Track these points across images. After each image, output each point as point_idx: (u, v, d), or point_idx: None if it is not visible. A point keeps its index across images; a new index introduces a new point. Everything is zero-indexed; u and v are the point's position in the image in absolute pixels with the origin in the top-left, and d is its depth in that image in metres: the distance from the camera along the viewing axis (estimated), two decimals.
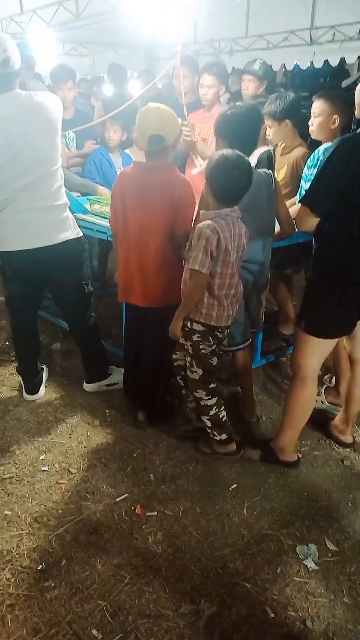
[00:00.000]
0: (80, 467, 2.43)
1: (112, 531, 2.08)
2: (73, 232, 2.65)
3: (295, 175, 3.19)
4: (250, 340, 2.70)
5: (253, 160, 3.25)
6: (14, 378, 3.15)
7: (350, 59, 5.69)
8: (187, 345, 2.31)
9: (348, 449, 2.57)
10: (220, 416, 2.41)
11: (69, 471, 2.40)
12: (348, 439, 2.59)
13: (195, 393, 2.39)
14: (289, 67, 6.35)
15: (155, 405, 2.67)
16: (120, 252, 2.49)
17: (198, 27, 6.60)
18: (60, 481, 2.34)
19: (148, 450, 2.53)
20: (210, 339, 2.28)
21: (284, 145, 3.30)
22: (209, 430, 2.43)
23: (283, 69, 6.56)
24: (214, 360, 2.34)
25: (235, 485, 2.33)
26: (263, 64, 4.10)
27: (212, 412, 2.39)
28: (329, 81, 10.36)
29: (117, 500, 2.23)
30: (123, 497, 2.25)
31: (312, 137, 3.00)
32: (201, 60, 6.64)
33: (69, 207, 2.68)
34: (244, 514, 2.17)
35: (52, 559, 1.95)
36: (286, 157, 3.30)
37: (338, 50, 5.66)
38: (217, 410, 2.39)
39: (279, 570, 1.92)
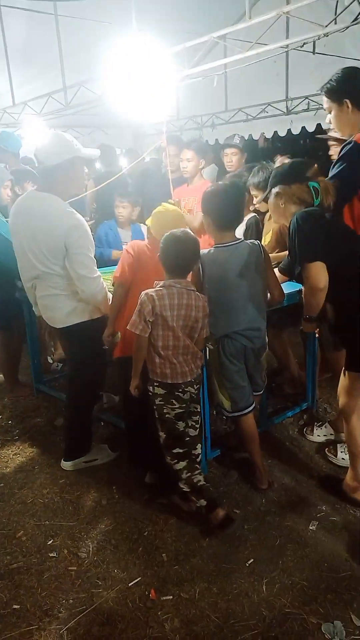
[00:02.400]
0: (89, 550, 2.34)
1: (126, 620, 1.98)
2: (78, 317, 2.74)
3: (280, 239, 3.30)
4: (254, 404, 2.69)
5: (241, 228, 3.40)
6: (18, 459, 3.10)
7: (326, 125, 6.00)
8: (154, 409, 2.40)
9: None
10: (195, 480, 2.37)
11: (78, 556, 2.31)
12: None
13: (165, 458, 2.41)
14: (268, 135, 6.71)
15: (163, 466, 2.61)
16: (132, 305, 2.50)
17: (180, 104, 7.02)
18: (69, 568, 2.25)
19: (159, 527, 2.45)
20: (174, 401, 2.35)
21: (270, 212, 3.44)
22: (190, 497, 2.42)
23: (264, 136, 6.93)
24: (180, 425, 2.39)
25: (252, 560, 2.23)
26: (242, 138, 4.37)
27: (184, 476, 2.38)
28: (309, 143, 10.93)
29: (129, 585, 2.14)
30: (136, 581, 2.16)
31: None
32: (185, 134, 7.06)
33: None
34: (263, 592, 2.07)
35: None
36: (272, 222, 3.42)
37: (313, 117, 6.00)
38: (189, 474, 2.37)
39: None
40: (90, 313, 2.75)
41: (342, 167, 2.35)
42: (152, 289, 2.31)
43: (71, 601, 2.08)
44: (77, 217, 2.61)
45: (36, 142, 2.70)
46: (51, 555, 2.33)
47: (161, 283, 2.33)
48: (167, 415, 2.37)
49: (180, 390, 2.35)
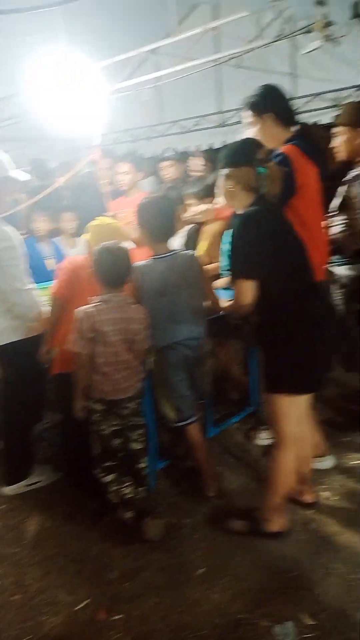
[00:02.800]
0: (34, 577, 2.24)
1: None
2: (10, 336, 2.65)
3: (218, 241, 3.34)
4: (198, 413, 2.69)
5: (180, 240, 3.42)
6: None
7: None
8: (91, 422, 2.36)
9: (311, 511, 2.52)
10: (122, 493, 2.36)
11: (23, 584, 2.21)
12: (308, 498, 2.55)
13: (95, 470, 2.38)
14: (204, 148, 6.83)
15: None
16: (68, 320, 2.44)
17: (114, 117, 7.01)
18: (13, 597, 2.14)
19: (106, 545, 2.38)
20: (112, 418, 2.33)
21: (206, 221, 3.48)
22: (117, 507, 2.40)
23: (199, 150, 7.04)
24: (115, 442, 2.37)
25: (203, 569, 2.21)
26: (176, 154, 4.43)
27: (111, 489, 2.36)
28: None
29: (77, 608, 2.06)
30: (84, 603, 2.08)
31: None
32: (120, 146, 7.07)
33: None
34: (215, 600, 2.05)
35: None
36: (207, 230, 3.46)
37: (247, 129, 6.17)
38: (117, 487, 2.36)
39: None
40: (26, 331, 2.67)
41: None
42: (90, 305, 2.27)
43: (16, 632, 1.98)
44: (5, 230, 2.54)
45: None
46: None
47: (98, 298, 2.29)
48: (103, 432, 2.34)
49: (120, 406, 2.32)
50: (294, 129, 2.53)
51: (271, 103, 2.48)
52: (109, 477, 2.36)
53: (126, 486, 2.37)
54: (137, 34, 4.94)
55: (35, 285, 2.70)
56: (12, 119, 4.88)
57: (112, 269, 2.29)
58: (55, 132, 6.24)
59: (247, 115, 2.53)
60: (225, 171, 2.19)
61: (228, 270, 2.27)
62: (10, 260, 2.53)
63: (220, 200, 2.36)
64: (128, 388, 2.32)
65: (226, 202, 2.26)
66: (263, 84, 2.59)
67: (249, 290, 2.15)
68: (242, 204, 2.18)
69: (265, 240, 2.10)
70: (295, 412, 2.24)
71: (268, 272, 2.13)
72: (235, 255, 2.14)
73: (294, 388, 2.21)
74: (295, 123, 2.56)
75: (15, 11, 3.48)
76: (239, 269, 2.14)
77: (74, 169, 4.56)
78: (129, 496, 2.36)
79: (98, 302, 2.28)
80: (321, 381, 2.32)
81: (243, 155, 2.19)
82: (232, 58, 4.54)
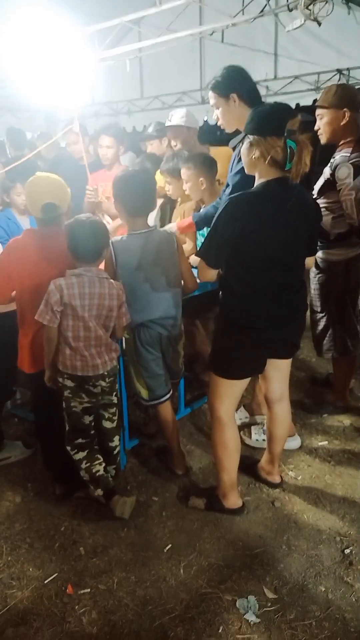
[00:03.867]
0: (2, 551, 2.25)
1: (42, 618, 1.93)
2: None
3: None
4: (171, 392, 2.71)
5: (155, 214, 3.38)
6: None
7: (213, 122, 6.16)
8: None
9: (277, 490, 2.59)
10: (94, 471, 2.38)
11: None
12: (276, 479, 2.62)
13: (67, 447, 2.39)
14: None
15: (72, 473, 2.57)
16: (25, 321, 2.41)
17: (95, 89, 6.87)
18: None
19: (76, 522, 2.40)
20: (83, 395, 2.32)
21: (180, 199, 3.45)
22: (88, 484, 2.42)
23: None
24: (86, 419, 2.37)
25: (169, 545, 2.26)
26: (157, 123, 4.31)
27: (83, 466, 2.38)
28: (226, 134, 11.13)
29: (45, 582, 2.09)
30: (52, 577, 2.11)
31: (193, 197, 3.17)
32: (101, 119, 6.92)
33: None
34: (181, 575, 2.10)
35: None
36: (180, 209, 3.44)
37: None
38: (88, 464, 2.38)
39: (220, 630, 1.86)
40: None
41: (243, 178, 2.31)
42: (62, 278, 2.22)
43: None
44: None
45: None
46: None
47: (71, 272, 2.25)
48: (74, 409, 2.33)
49: (91, 383, 2.31)
50: None
51: (235, 83, 2.43)
52: (80, 455, 2.37)
53: (97, 464, 2.38)
54: (121, 2, 4.80)
55: None
56: None
57: (86, 243, 2.23)
58: (34, 102, 6.10)
59: (212, 97, 2.49)
60: (250, 138, 2.00)
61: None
62: None
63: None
64: (99, 365, 2.30)
65: (247, 170, 2.09)
66: (242, 62, 2.55)
67: (206, 273, 2.17)
68: (261, 177, 2.03)
69: (243, 232, 1.99)
70: (230, 393, 2.30)
71: (232, 266, 2.11)
72: (208, 235, 2.11)
73: (227, 373, 2.27)
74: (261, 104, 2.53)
75: None
76: (203, 250, 2.12)
77: (51, 139, 4.46)
78: (99, 474, 2.37)
79: (70, 275, 2.23)
80: (260, 368, 2.34)
81: (272, 123, 1.94)
82: (215, 32, 4.45)
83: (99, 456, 2.41)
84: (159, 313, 2.52)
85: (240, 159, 2.39)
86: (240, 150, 2.24)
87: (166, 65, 6.18)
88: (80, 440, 2.37)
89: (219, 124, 2.56)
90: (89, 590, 2.05)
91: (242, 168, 2.23)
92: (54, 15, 3.69)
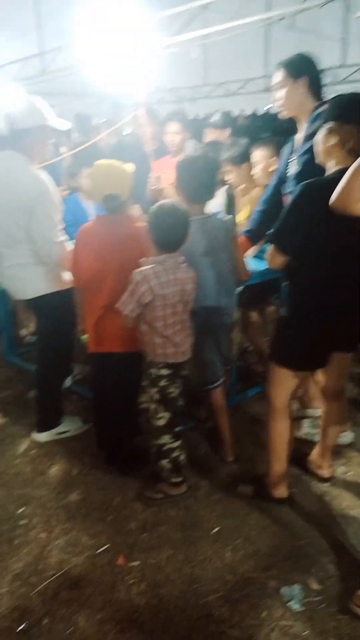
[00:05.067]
0: (59, 519, 2.39)
1: (94, 585, 2.05)
2: (46, 287, 2.72)
3: None
4: (223, 378, 2.74)
5: (217, 201, 3.40)
6: None
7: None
8: (152, 393, 2.34)
9: (327, 484, 2.59)
10: (180, 459, 2.43)
11: (49, 524, 2.36)
12: (326, 473, 2.62)
13: (158, 440, 2.39)
14: (248, 112, 6.67)
15: (125, 456, 2.67)
16: (92, 303, 2.51)
17: (160, 76, 6.88)
18: (39, 535, 2.29)
19: (128, 498, 2.51)
20: (177, 381, 2.35)
21: (244, 186, 3.45)
22: (165, 474, 2.44)
23: (242, 115, 6.87)
24: (181, 402, 2.40)
25: (217, 528, 2.32)
26: (222, 114, 4.30)
27: (173, 455, 2.41)
28: (288, 123, 10.88)
29: (98, 551, 2.20)
30: (104, 548, 2.22)
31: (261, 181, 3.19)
32: (164, 106, 6.94)
33: None
34: (227, 558, 2.16)
35: (33, 618, 1.91)
36: (247, 197, 3.44)
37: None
38: (178, 453, 2.42)
39: (264, 615, 1.91)
40: (59, 284, 2.74)
41: (309, 159, 2.30)
42: (148, 267, 2.20)
43: (40, 567, 2.13)
44: (44, 179, 2.57)
45: (7, 105, 2.64)
46: (21, 523, 2.37)
47: (152, 259, 2.24)
48: (171, 394, 2.34)
49: (182, 369, 2.34)
50: (317, 103, 2.47)
51: (307, 67, 2.40)
52: (176, 444, 2.40)
53: (182, 453, 2.43)
54: None
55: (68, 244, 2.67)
56: (60, 71, 4.83)
57: (171, 231, 2.21)
58: (102, 88, 6.22)
59: (280, 75, 2.43)
60: (329, 125, 2.02)
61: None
62: (43, 209, 2.54)
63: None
64: (187, 350, 2.33)
65: (321, 158, 2.11)
66: (310, 49, 2.50)
67: (277, 260, 2.17)
68: (337, 164, 2.03)
69: (315, 220, 2.00)
70: (289, 383, 2.30)
71: (303, 254, 2.10)
72: (281, 219, 2.10)
73: (290, 363, 2.26)
74: (321, 98, 2.48)
75: None
76: (276, 236, 2.14)
77: (117, 125, 4.53)
78: (184, 462, 2.43)
79: (153, 264, 2.21)
80: (324, 361, 2.31)
81: (353, 110, 1.97)
82: (284, 18, 4.35)
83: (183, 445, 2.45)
84: (212, 301, 2.53)
85: (308, 139, 2.37)
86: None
87: (230, 52, 6.11)
88: (178, 429, 2.39)
89: (276, 105, 2.51)
90: (138, 563, 2.14)
91: (311, 147, 2.24)
92: (125, 1, 3.73)
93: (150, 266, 2.21)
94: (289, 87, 2.41)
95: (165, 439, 2.38)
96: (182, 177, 2.50)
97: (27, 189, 2.52)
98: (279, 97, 2.47)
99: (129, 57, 4.08)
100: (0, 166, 2.60)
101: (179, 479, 2.45)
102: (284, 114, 2.50)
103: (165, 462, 2.41)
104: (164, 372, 2.32)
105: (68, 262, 2.57)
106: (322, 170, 2.12)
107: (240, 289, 2.75)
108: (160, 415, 2.36)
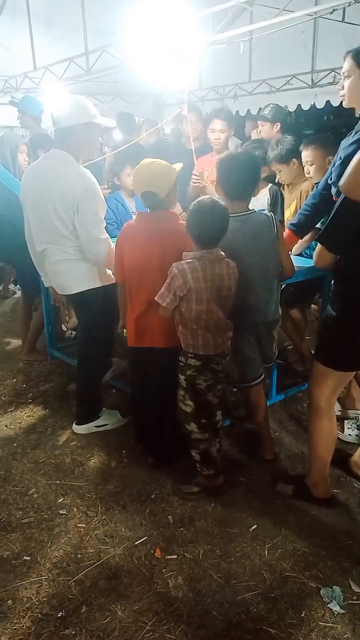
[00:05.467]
0: (98, 510, 2.42)
1: (132, 576, 2.06)
2: (89, 283, 2.77)
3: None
4: (263, 376, 2.71)
5: (261, 201, 3.37)
6: (30, 421, 3.18)
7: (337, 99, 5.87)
8: (181, 380, 2.38)
9: None
10: (211, 451, 2.42)
11: (87, 514, 2.39)
12: None
13: (187, 426, 2.41)
14: (291, 109, 6.54)
15: (163, 448, 2.67)
16: (133, 299, 2.53)
17: (203, 73, 6.89)
18: (78, 525, 2.33)
19: (166, 491, 2.51)
20: (208, 373, 2.34)
21: (291, 183, 3.40)
22: (197, 465, 2.45)
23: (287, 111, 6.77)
24: (210, 397, 2.38)
25: (255, 525, 2.29)
26: (274, 107, 4.24)
27: (202, 447, 2.41)
28: (332, 119, 10.67)
29: (136, 543, 2.21)
30: (142, 540, 2.23)
31: (313, 181, 3.12)
32: (207, 105, 6.93)
33: None
34: (265, 556, 2.13)
35: (72, 606, 1.93)
36: (295, 193, 3.39)
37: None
38: (207, 445, 2.41)
39: (303, 615, 1.87)
40: (102, 279, 2.77)
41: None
42: (184, 262, 2.23)
43: (79, 555, 2.16)
44: (90, 177, 2.61)
45: (53, 104, 2.69)
46: (61, 512, 2.41)
47: (191, 254, 2.26)
48: (198, 387, 2.35)
49: (215, 362, 2.34)
50: None
51: None
52: (204, 435, 2.40)
53: (215, 445, 2.43)
54: None
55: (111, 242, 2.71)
56: (105, 71, 4.90)
57: (210, 227, 2.22)
58: (144, 87, 6.27)
59: (347, 64, 2.35)
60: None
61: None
62: (89, 206, 2.58)
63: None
64: (220, 345, 2.33)
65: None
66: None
67: (326, 259, 2.12)
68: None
69: None
70: (334, 384, 2.24)
71: (352, 253, 2.05)
72: (330, 218, 2.06)
73: (336, 363, 2.20)
74: None
75: None
76: (325, 235, 2.09)
77: (158, 125, 4.56)
78: (214, 455, 2.43)
79: (191, 258, 2.24)
80: None
81: None
82: (335, 10, 4.23)
83: (217, 439, 2.45)
84: (255, 298, 2.51)
85: (355, 142, 2.31)
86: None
87: (276, 48, 6.02)
88: (204, 421, 2.39)
89: (341, 94, 2.46)
90: (175, 556, 2.14)
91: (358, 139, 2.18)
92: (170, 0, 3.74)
93: (188, 260, 2.23)
94: (354, 77, 2.35)
95: (193, 427, 2.40)
96: (223, 174, 2.49)
97: (73, 186, 2.56)
98: (342, 88, 2.42)
99: (173, 55, 4.10)
100: (47, 164, 2.67)
101: (211, 471, 2.44)
102: (346, 104, 2.45)
103: (194, 453, 2.43)
104: (192, 362, 2.33)
105: (111, 258, 2.61)
106: None
107: (283, 285, 2.71)
108: (187, 402, 2.38)
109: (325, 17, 4.47)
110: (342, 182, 1.80)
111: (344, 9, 4.15)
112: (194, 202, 2.27)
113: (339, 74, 5.61)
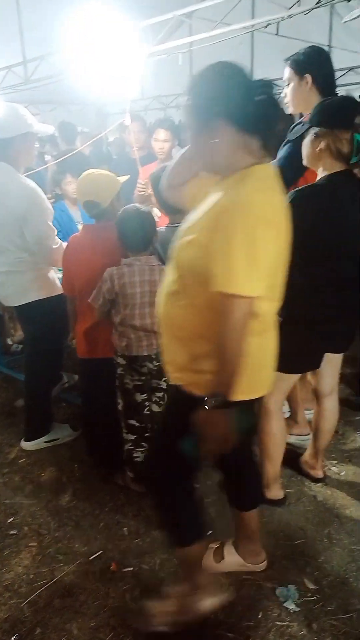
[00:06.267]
0: (50, 527, 2.35)
1: (87, 592, 2.01)
2: (35, 294, 2.71)
3: None
4: None
5: None
6: None
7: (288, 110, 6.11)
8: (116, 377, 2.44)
9: (320, 484, 2.58)
10: (134, 455, 2.45)
11: (39, 533, 2.32)
12: (319, 473, 2.61)
13: (121, 421, 2.46)
14: None
15: (117, 458, 2.63)
16: (84, 310, 2.50)
17: (145, 83, 6.93)
18: (30, 544, 2.25)
19: (120, 502, 2.48)
20: (133, 374, 2.39)
21: None
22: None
23: None
24: (138, 397, 2.41)
25: (210, 531, 2.29)
26: None
27: (127, 447, 2.45)
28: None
29: (90, 558, 2.16)
30: (97, 555, 2.18)
31: None
32: (150, 114, 6.99)
33: None
34: None
35: (25, 629, 1.86)
36: None
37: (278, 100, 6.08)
38: (132, 447, 2.45)
39: (260, 616, 1.88)
40: (48, 290, 2.72)
41: (291, 149, 2.32)
42: (115, 267, 2.31)
43: (32, 576, 2.09)
44: (34, 187, 2.58)
45: None
46: (11, 532, 2.33)
47: (123, 261, 2.33)
48: (126, 386, 2.41)
49: (138, 363, 2.38)
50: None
51: (312, 64, 2.38)
52: (129, 436, 2.44)
53: (139, 450, 2.45)
54: None
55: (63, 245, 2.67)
56: (44, 80, 4.84)
57: (135, 233, 2.30)
58: (86, 96, 6.24)
59: (287, 72, 2.45)
60: (316, 130, 2.02)
61: None
62: (38, 216, 2.56)
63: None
64: (145, 347, 2.36)
65: (308, 163, 2.11)
66: (313, 45, 2.51)
67: None
68: (325, 170, 2.04)
69: (308, 226, 1.97)
70: (282, 386, 2.29)
71: (297, 260, 2.08)
72: None
73: (284, 366, 2.23)
74: (334, 94, 2.49)
75: None
76: None
77: (101, 134, 4.55)
78: (137, 460, 2.44)
79: (122, 265, 2.31)
80: (318, 363, 2.31)
81: (340, 116, 1.98)
82: (269, 24, 4.40)
83: (145, 444, 2.46)
84: None
85: (287, 143, 2.39)
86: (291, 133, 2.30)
87: (215, 59, 6.14)
88: (133, 422, 2.42)
89: (285, 101, 2.53)
90: (132, 568, 2.11)
91: (289, 145, 2.29)
92: (109, 10, 3.76)
93: (119, 267, 2.30)
94: (294, 84, 2.42)
95: (122, 425, 2.45)
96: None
97: (19, 199, 2.52)
98: (285, 94, 2.50)
99: (113, 64, 4.11)
100: None
101: (131, 474, 2.50)
102: (291, 110, 2.52)
103: (124, 450, 2.48)
104: (120, 360, 2.40)
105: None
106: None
107: None
108: (119, 400, 2.45)
109: (260, 30, 4.61)
110: (163, 181, 1.80)
111: (278, 23, 4.29)
112: (120, 211, 2.33)
113: (277, 85, 5.87)
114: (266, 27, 4.27)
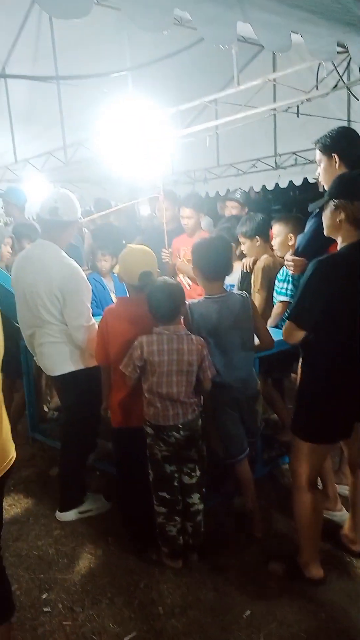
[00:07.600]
0: (84, 604, 2.30)
1: None
2: (74, 365, 2.82)
3: (267, 275, 3.47)
4: (247, 450, 2.71)
5: (233, 277, 3.54)
6: (12, 510, 3.07)
7: (312, 179, 6.33)
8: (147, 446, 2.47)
9: None
10: (167, 529, 2.42)
11: (73, 610, 2.27)
12: (358, 547, 2.50)
13: (153, 492, 2.45)
14: (257, 189, 7.02)
15: (152, 532, 2.59)
16: (119, 380, 2.55)
17: (175, 159, 7.35)
18: (64, 622, 2.21)
19: (155, 579, 2.42)
20: (161, 444, 2.40)
21: (254, 258, 3.61)
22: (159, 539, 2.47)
23: (253, 190, 7.25)
24: (167, 468, 2.41)
25: (249, 611, 2.21)
26: (243, 192, 4.59)
27: (159, 520, 2.43)
28: (298, 194, 11.36)
29: (125, 639, 2.10)
30: (131, 635, 2.12)
31: (278, 253, 3.38)
32: (179, 188, 7.35)
33: None
34: None
35: None
36: (257, 267, 3.57)
37: (300, 172, 6.32)
38: (164, 520, 2.42)
39: None
40: (85, 362, 2.82)
41: (318, 223, 2.41)
42: (145, 335, 2.40)
43: None
44: (74, 265, 2.74)
45: (46, 196, 2.87)
46: (45, 609, 2.29)
47: (154, 330, 2.42)
48: (155, 456, 2.43)
49: (165, 433, 2.39)
50: None
51: (340, 145, 2.54)
52: (160, 509, 2.43)
53: (172, 525, 2.42)
54: (201, 84, 5.22)
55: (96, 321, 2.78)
56: (82, 162, 5.22)
57: (163, 304, 2.40)
58: (119, 175, 6.66)
59: (317, 154, 2.62)
60: (336, 202, 2.14)
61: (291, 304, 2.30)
62: (76, 296, 2.70)
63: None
64: (171, 416, 2.38)
65: (329, 232, 2.22)
66: (315, 131, 2.69)
67: (294, 335, 2.19)
68: (345, 239, 2.15)
69: (331, 295, 2.07)
70: (314, 458, 2.25)
71: (323, 328, 2.13)
72: (298, 296, 2.16)
73: (313, 436, 2.23)
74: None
75: (86, 77, 3.80)
76: (294, 313, 2.18)
77: (132, 202, 4.82)
78: (171, 534, 2.42)
79: (152, 334, 2.40)
80: (348, 432, 2.28)
81: (358, 187, 2.12)
82: (290, 108, 4.69)
83: (177, 518, 2.44)
84: (235, 375, 2.59)
85: (316, 216, 2.50)
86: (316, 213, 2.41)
87: (240, 135, 6.53)
88: (164, 494, 2.42)
89: (319, 180, 2.68)
90: None
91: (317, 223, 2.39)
92: (142, 99, 4.10)
93: (149, 335, 2.39)
94: (324, 163, 2.59)
95: (154, 498, 2.44)
96: (199, 258, 2.65)
97: (59, 277, 2.68)
98: (319, 173, 2.66)
99: (146, 146, 4.43)
100: (35, 254, 2.80)
101: (165, 550, 2.46)
102: (326, 186, 2.66)
103: (157, 524, 2.46)
104: (149, 430, 2.44)
105: (92, 344, 2.69)
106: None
107: (258, 357, 2.79)
108: (150, 471, 2.46)
109: (282, 112, 4.90)
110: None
111: (298, 106, 4.56)
112: (152, 286, 2.44)
113: (300, 156, 6.14)
114: (287, 110, 4.54)
